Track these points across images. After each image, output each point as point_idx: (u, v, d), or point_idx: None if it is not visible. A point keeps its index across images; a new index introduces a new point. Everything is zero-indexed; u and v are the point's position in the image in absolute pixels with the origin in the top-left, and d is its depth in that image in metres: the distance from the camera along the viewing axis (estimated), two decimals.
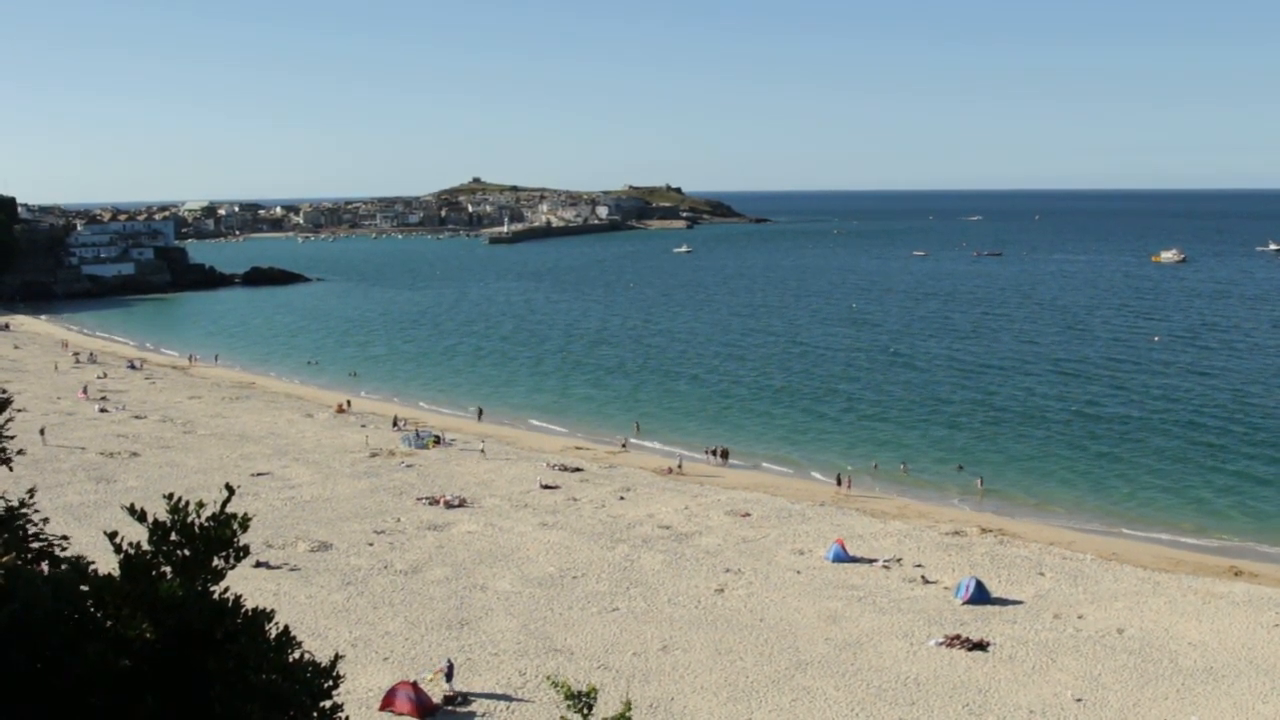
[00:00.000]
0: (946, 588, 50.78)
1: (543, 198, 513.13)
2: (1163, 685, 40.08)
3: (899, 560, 55.20)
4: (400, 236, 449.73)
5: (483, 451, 79.57)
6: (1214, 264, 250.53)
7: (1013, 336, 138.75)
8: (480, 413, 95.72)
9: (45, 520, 15.16)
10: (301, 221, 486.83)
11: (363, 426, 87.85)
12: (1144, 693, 39.49)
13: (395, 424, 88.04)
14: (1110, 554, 57.09)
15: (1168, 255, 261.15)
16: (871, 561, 54.96)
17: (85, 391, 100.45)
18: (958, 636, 44.32)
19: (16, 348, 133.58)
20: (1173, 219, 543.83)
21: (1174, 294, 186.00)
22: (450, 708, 37.96)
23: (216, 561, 9.23)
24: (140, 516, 9.26)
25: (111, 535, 9.09)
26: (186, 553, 9.10)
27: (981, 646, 43.61)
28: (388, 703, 37.30)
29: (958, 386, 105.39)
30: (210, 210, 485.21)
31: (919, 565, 54.42)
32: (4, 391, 19.53)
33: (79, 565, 9.06)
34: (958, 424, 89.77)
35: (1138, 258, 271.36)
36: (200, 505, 9.28)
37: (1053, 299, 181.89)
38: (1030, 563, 55.12)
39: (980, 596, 48.95)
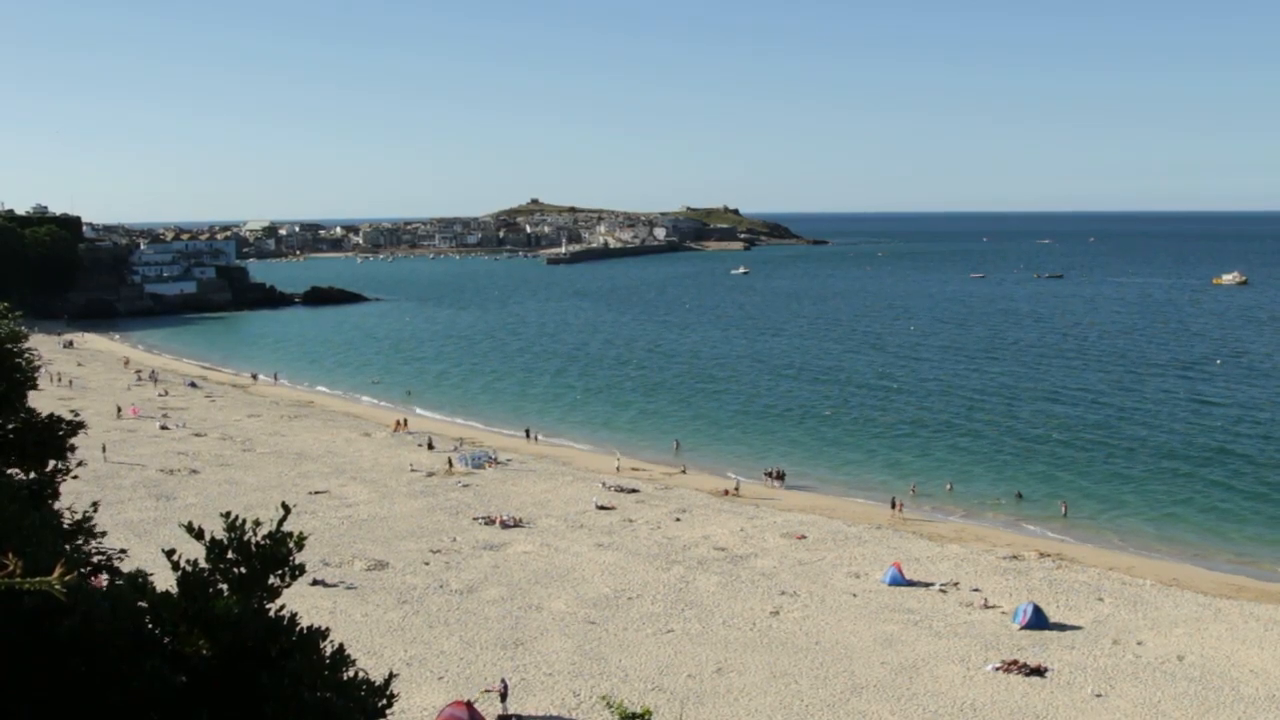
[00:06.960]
0: (1004, 612, 50.31)
1: (600, 219, 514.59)
2: (1224, 713, 39.49)
3: (956, 584, 54.76)
4: (458, 257, 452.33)
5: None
6: (1277, 287, 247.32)
7: (1072, 360, 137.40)
8: (528, 433, 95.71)
9: (103, 534, 15.48)
10: (361, 242, 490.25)
11: (419, 445, 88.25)
12: None
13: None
14: (1171, 579, 56.35)
15: (1228, 278, 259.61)
16: (928, 585, 54.57)
17: (139, 408, 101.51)
18: (1015, 661, 43.92)
19: (80, 365, 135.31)
20: (1233, 240, 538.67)
21: (1233, 317, 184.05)
22: None
23: (272, 579, 9.32)
24: (198, 534, 9.37)
25: (170, 553, 9.21)
26: (243, 570, 9.20)
27: (1039, 672, 43.18)
28: None
29: (1021, 410, 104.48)
30: (271, 230, 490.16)
31: (976, 589, 53.95)
32: (76, 415, 20.03)
33: (137, 582, 9.17)
34: (1019, 449, 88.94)
35: (1198, 280, 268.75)
36: (257, 524, 9.39)
37: (1113, 321, 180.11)
38: (1089, 588, 54.50)
39: (1038, 621, 48.48)
